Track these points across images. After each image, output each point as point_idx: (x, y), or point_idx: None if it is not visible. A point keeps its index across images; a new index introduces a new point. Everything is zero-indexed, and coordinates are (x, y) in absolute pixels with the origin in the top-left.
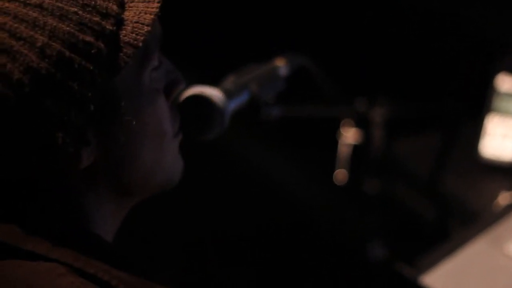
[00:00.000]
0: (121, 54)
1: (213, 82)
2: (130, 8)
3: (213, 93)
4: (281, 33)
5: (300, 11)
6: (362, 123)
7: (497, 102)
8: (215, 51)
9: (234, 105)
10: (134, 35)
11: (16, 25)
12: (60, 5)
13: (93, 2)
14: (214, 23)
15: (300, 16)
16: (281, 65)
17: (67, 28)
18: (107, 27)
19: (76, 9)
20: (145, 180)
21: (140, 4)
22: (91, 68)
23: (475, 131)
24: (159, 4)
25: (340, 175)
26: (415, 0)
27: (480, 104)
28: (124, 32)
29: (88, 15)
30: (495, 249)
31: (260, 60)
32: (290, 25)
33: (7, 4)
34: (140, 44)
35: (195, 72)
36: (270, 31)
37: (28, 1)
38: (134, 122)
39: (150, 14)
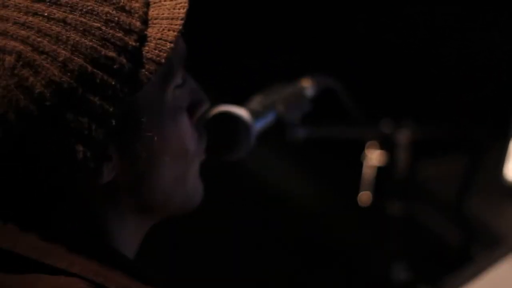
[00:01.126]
0: (144, 70)
1: (240, 102)
2: (153, 25)
3: (240, 112)
4: (308, 54)
5: (328, 33)
6: (387, 145)
7: None
8: (242, 71)
9: (260, 125)
10: (157, 51)
11: (39, 39)
12: (84, 20)
13: (116, 18)
14: (242, 43)
15: (327, 38)
16: (307, 85)
17: (90, 43)
18: (130, 43)
19: (99, 25)
20: (166, 198)
21: (164, 21)
22: (113, 83)
23: (500, 155)
24: (182, 22)
25: (364, 197)
26: (441, 25)
27: (505, 128)
28: (147, 48)
29: (111, 31)
30: None
31: (286, 80)
32: (318, 46)
33: (30, 18)
34: (163, 60)
35: (222, 92)
36: (297, 52)
37: (52, 16)
38: (156, 139)
39: (174, 31)
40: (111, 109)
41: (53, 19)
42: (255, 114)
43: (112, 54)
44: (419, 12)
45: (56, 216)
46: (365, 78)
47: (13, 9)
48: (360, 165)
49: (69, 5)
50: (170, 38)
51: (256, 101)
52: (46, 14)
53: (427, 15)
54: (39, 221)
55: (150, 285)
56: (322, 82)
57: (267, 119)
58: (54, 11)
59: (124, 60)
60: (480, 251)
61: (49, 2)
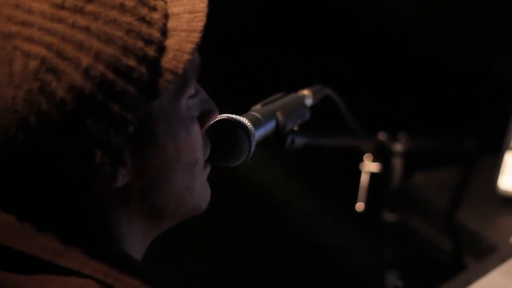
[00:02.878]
0: (161, 79)
1: (240, 111)
2: (172, 36)
3: (241, 120)
4: (307, 65)
5: (327, 45)
6: (382, 155)
7: None
8: (243, 81)
9: (260, 133)
10: (175, 62)
11: (63, 45)
12: (107, 29)
13: (137, 29)
14: (244, 53)
15: (327, 50)
16: (307, 95)
17: (112, 52)
18: (150, 53)
19: (121, 34)
20: (176, 205)
21: (182, 33)
22: (132, 91)
23: (494, 166)
24: (200, 34)
25: (360, 205)
26: (434, 39)
27: (499, 139)
28: (165, 58)
29: (132, 41)
30: (510, 282)
31: (286, 90)
32: (317, 57)
33: (55, 25)
34: (181, 71)
35: (223, 101)
36: (296, 62)
37: (76, 24)
38: (170, 147)
39: (192, 43)
40: (129, 117)
41: (77, 26)
42: (256, 122)
43: (132, 63)
44: (415, 27)
45: (70, 218)
46: (363, 90)
47: (38, 15)
48: (356, 173)
49: (93, 13)
50: (188, 49)
51: (256, 110)
52: (70, 21)
53: (423, 31)
54: (54, 223)
55: (159, 286)
56: (321, 93)
57: (267, 127)
58: (78, 19)
59: (144, 70)
60: (472, 260)
61: (73, 10)
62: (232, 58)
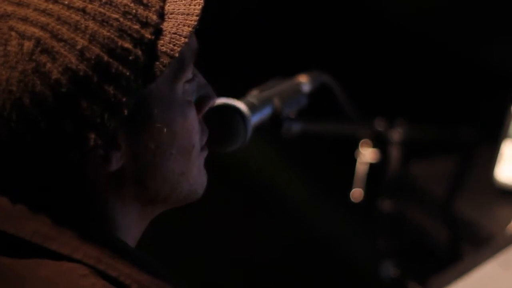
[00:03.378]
0: (158, 63)
1: (237, 96)
2: (169, 19)
3: (237, 105)
4: (305, 51)
5: (325, 30)
6: (380, 143)
7: None
8: (240, 66)
9: (256, 118)
10: (171, 45)
11: (58, 26)
12: (103, 10)
13: (134, 11)
14: (241, 39)
15: (324, 35)
16: (304, 81)
17: (107, 34)
18: (146, 35)
19: (117, 16)
20: (171, 190)
21: (180, 16)
22: (128, 74)
23: (491, 156)
24: (198, 18)
25: (356, 193)
26: (433, 28)
27: (496, 129)
28: (162, 42)
29: (128, 23)
30: (507, 272)
31: (283, 76)
32: (315, 43)
33: (51, 6)
34: (177, 54)
35: (220, 87)
36: (294, 48)
37: (72, 4)
38: (165, 131)
39: (189, 26)
40: (124, 99)
41: (73, 7)
42: (252, 107)
43: (128, 45)
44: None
45: (63, 201)
46: (361, 77)
47: None
48: (352, 161)
49: None
50: (184, 33)
51: (253, 95)
52: (66, 2)
53: (421, 20)
54: (47, 206)
55: (151, 274)
56: (318, 79)
57: (264, 113)
58: (74, 0)
59: (140, 52)
60: (468, 250)
61: None
62: (231, 42)
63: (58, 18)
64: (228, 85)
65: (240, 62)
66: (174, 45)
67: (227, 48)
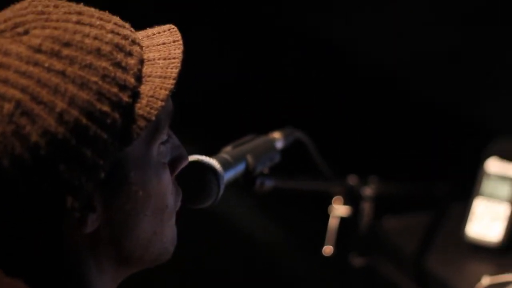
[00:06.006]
0: (135, 126)
1: (211, 153)
2: (146, 82)
3: (211, 162)
4: (279, 107)
5: (299, 88)
6: (352, 199)
7: (486, 185)
8: (214, 123)
9: (229, 175)
10: (148, 108)
11: (38, 89)
12: (82, 73)
13: (112, 74)
14: (214, 96)
15: (299, 92)
16: (277, 138)
17: (86, 97)
18: (124, 98)
19: (96, 79)
20: (144, 250)
21: (157, 79)
22: (105, 137)
23: (463, 213)
24: (174, 81)
25: (328, 249)
26: (408, 82)
27: (469, 186)
28: (139, 105)
29: (107, 86)
30: None
31: (257, 133)
32: (289, 100)
33: (31, 68)
34: (153, 117)
35: (195, 143)
36: (268, 105)
37: (52, 67)
38: (140, 193)
39: (165, 90)
40: (101, 162)
41: (53, 70)
42: (225, 164)
43: (106, 108)
44: (387, 70)
45: (40, 262)
46: (334, 134)
47: (15, 57)
48: (325, 217)
49: (69, 57)
50: (161, 96)
51: (227, 152)
52: (46, 65)
53: (396, 73)
54: (23, 266)
55: None
56: (292, 135)
57: (237, 169)
58: (55, 62)
59: (117, 115)
60: None
61: (50, 53)
62: (206, 100)
63: (38, 81)
64: (202, 141)
65: (215, 118)
66: (151, 108)
67: (202, 105)
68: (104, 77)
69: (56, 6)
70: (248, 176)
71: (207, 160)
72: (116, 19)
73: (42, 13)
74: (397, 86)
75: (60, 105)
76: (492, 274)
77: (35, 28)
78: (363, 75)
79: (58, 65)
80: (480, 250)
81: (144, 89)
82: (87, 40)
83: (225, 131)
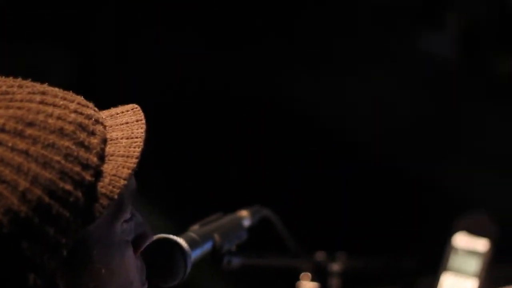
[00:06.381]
0: (97, 204)
1: (178, 232)
2: (109, 161)
3: (178, 240)
4: (246, 186)
5: (267, 165)
6: (320, 275)
7: (453, 260)
8: (181, 201)
9: (197, 253)
10: (110, 187)
11: (1, 168)
12: (45, 153)
13: (75, 153)
14: (182, 173)
15: (266, 169)
16: (244, 216)
17: (49, 176)
18: (86, 177)
19: (59, 158)
20: None
21: (119, 158)
22: (68, 215)
23: (431, 287)
24: (137, 160)
25: None
26: (376, 153)
27: (436, 261)
28: (101, 183)
29: (69, 165)
30: None
31: (224, 211)
32: (257, 179)
33: None
34: (116, 196)
35: (161, 222)
36: (235, 184)
37: (15, 147)
38: (103, 271)
39: (128, 168)
40: (64, 240)
41: (16, 149)
42: (192, 243)
43: (69, 187)
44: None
45: None
46: (301, 211)
47: None
48: None
49: (32, 137)
50: (124, 175)
51: (194, 230)
52: (10, 144)
53: (362, 145)
54: None
55: None
56: (259, 213)
57: (204, 248)
58: (18, 142)
59: (80, 194)
60: None
61: (13, 133)
62: (172, 178)
63: (1, 160)
64: (169, 220)
65: (182, 197)
66: (113, 187)
67: (168, 184)
68: (66, 156)
69: (20, 86)
70: (215, 254)
71: (175, 239)
72: (80, 98)
73: (7, 93)
74: (364, 160)
75: (23, 184)
76: None
77: None
78: (330, 149)
79: (21, 145)
80: None
81: (107, 168)
82: (50, 120)
83: (192, 210)
